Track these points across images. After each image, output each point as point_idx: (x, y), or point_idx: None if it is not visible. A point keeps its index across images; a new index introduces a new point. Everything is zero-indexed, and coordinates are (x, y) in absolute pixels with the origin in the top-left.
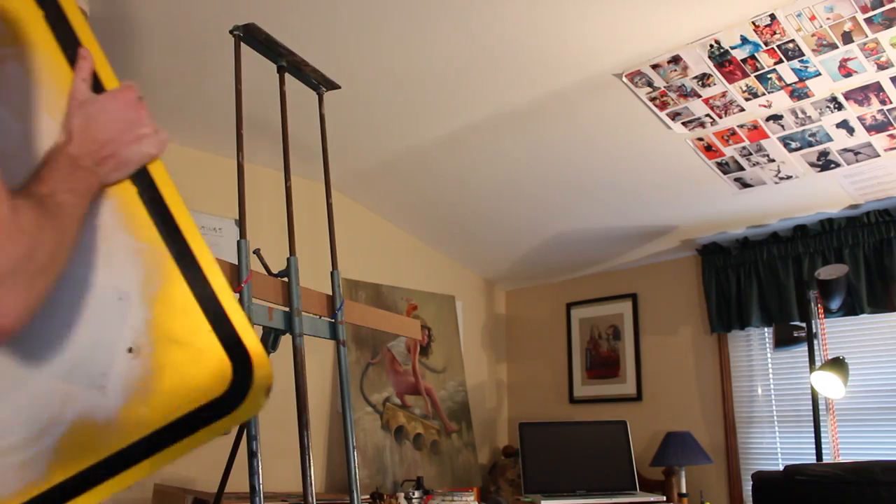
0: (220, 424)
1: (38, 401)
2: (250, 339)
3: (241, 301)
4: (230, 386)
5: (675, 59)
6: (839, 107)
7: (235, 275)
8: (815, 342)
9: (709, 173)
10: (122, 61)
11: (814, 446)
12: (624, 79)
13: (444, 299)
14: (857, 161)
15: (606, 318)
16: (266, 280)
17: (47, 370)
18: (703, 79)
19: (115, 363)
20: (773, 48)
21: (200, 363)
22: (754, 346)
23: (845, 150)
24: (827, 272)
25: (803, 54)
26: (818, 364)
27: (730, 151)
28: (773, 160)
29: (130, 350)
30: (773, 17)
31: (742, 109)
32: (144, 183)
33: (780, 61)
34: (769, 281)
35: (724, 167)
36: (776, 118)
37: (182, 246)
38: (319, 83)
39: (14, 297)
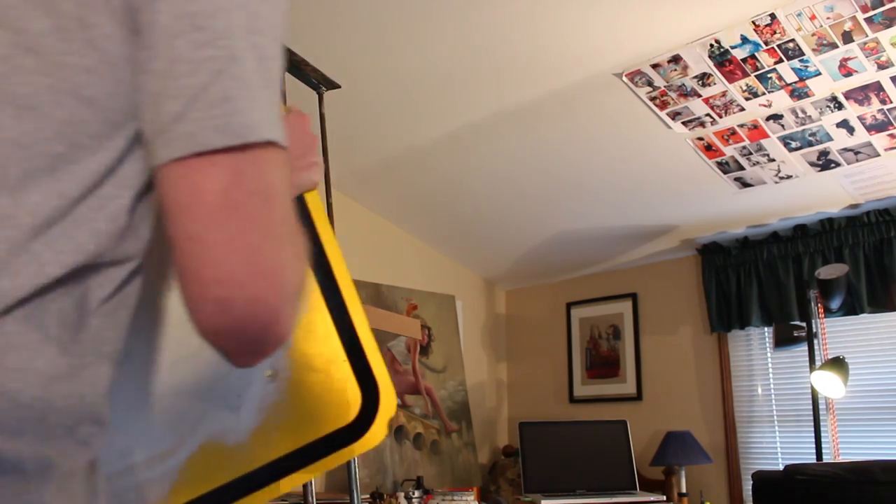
0: (344, 452)
1: (169, 420)
2: (380, 368)
3: None
4: (358, 414)
5: (676, 59)
6: (839, 106)
7: None
8: (815, 342)
9: (709, 173)
10: None
11: (814, 446)
12: (624, 78)
13: (444, 299)
14: (857, 161)
15: (606, 318)
16: None
17: (183, 389)
18: (704, 78)
19: (252, 385)
20: (773, 48)
21: (333, 391)
22: (754, 345)
23: (845, 149)
24: (827, 272)
25: (803, 54)
26: (818, 364)
27: (730, 151)
28: (773, 160)
29: (269, 374)
30: (773, 16)
31: (742, 109)
32: (300, 208)
33: (781, 61)
34: (769, 280)
35: (724, 167)
36: (776, 118)
37: (328, 273)
38: (319, 82)
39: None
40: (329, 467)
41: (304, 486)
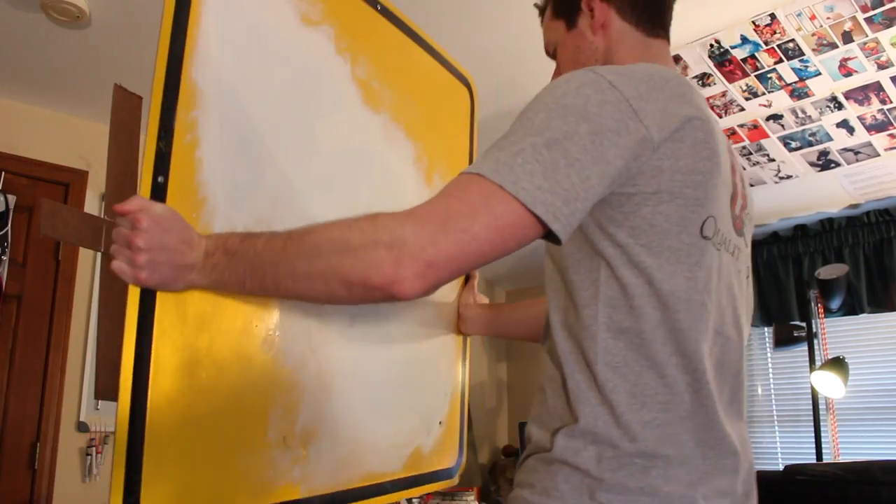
0: (441, 483)
1: (406, 428)
2: (465, 433)
3: None
4: (456, 461)
5: (675, 59)
6: (839, 106)
7: None
8: (815, 342)
9: None
10: (122, 62)
11: (814, 446)
12: None
13: None
14: (857, 161)
15: None
16: None
17: (416, 410)
18: (703, 78)
19: (437, 420)
20: (773, 48)
21: (450, 440)
22: (754, 345)
23: (845, 149)
24: (827, 272)
25: (803, 54)
26: (818, 364)
27: None
28: (773, 160)
29: (440, 423)
30: (773, 16)
31: (742, 109)
32: None
33: (781, 61)
34: (769, 280)
35: None
36: (776, 118)
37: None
38: None
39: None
40: (431, 490)
41: None
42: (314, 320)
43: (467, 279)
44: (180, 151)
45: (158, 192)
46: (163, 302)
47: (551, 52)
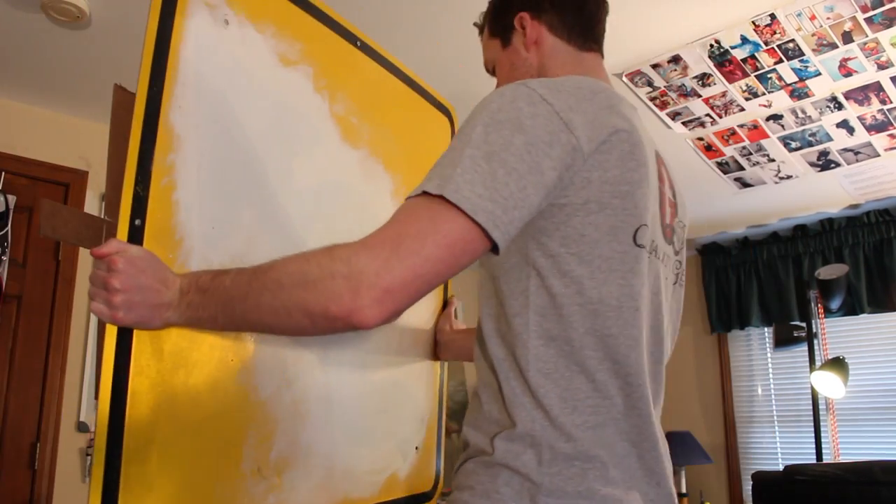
0: None
1: (382, 454)
2: (442, 455)
3: None
4: (432, 485)
5: (675, 59)
6: (839, 106)
7: None
8: (815, 342)
9: (709, 173)
10: (122, 62)
11: (814, 446)
12: (624, 79)
13: None
14: (857, 161)
15: None
16: None
17: (393, 436)
18: (703, 78)
19: (414, 446)
20: (773, 48)
21: (426, 464)
22: (754, 345)
23: (845, 149)
24: (827, 272)
25: (803, 54)
26: (818, 364)
27: (730, 151)
28: (773, 160)
29: (416, 448)
30: (773, 16)
31: (742, 109)
32: None
33: (781, 61)
34: (769, 281)
35: (724, 167)
36: (776, 118)
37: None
38: None
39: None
40: None
41: None
42: (289, 352)
43: (445, 305)
44: (157, 194)
45: (135, 235)
46: (139, 340)
47: (490, 70)
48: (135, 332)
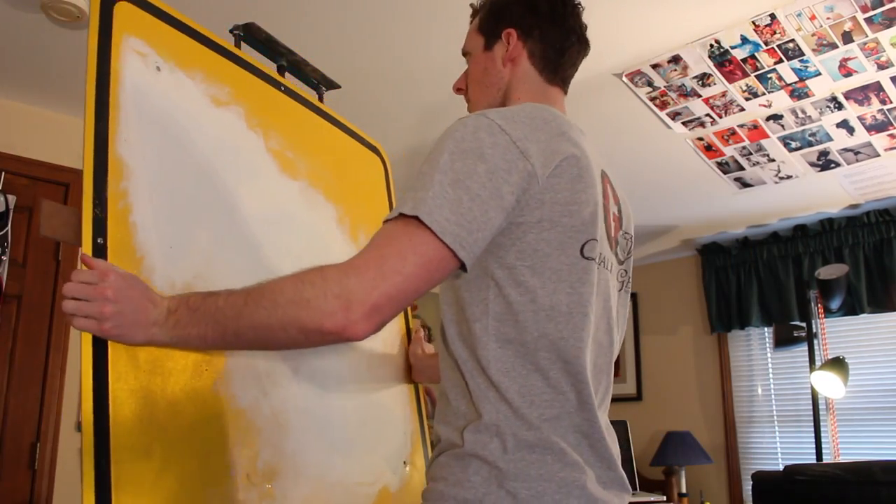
0: None
1: (369, 466)
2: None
3: None
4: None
5: (675, 59)
6: (839, 106)
7: None
8: (815, 342)
9: (709, 173)
10: None
11: (814, 446)
12: (624, 79)
13: None
14: (857, 161)
15: None
16: None
17: (377, 450)
18: (703, 78)
19: (402, 460)
20: (773, 48)
21: (421, 482)
22: (754, 345)
23: (845, 149)
24: (827, 272)
25: (803, 54)
26: (818, 364)
27: (730, 151)
28: (773, 160)
29: (405, 463)
30: (773, 16)
31: (742, 109)
32: None
33: (780, 61)
34: (769, 281)
35: (724, 167)
36: (776, 118)
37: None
38: (320, 82)
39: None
40: None
41: None
42: (261, 364)
43: (410, 333)
44: (115, 216)
45: (99, 252)
46: (114, 348)
47: (465, 54)
48: (110, 342)
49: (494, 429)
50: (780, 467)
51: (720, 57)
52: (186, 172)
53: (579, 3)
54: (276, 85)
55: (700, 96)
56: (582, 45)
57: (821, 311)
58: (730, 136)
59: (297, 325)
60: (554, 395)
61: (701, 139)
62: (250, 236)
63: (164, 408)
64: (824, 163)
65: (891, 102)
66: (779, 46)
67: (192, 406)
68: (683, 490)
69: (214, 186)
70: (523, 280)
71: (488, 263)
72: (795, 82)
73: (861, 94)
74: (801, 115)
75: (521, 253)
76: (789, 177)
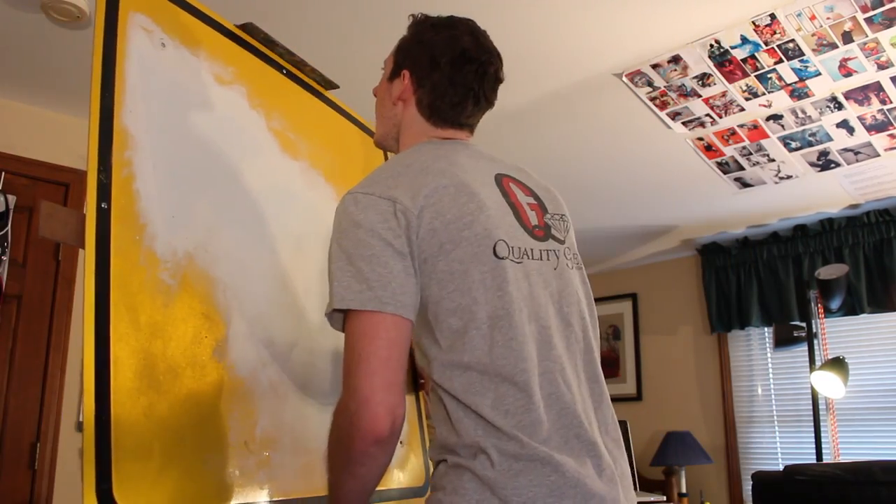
0: (412, 501)
1: None
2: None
3: None
4: (424, 482)
5: (675, 59)
6: (839, 106)
7: None
8: (815, 342)
9: (709, 173)
10: None
11: (814, 446)
12: (624, 79)
13: None
14: (857, 161)
15: (606, 318)
16: None
17: None
18: (703, 78)
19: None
20: (773, 48)
21: (415, 461)
22: (754, 345)
23: (845, 149)
24: (827, 272)
25: (803, 54)
26: (818, 364)
27: (730, 151)
28: (773, 160)
29: (401, 442)
30: (773, 16)
31: (742, 109)
32: None
33: (780, 61)
34: (769, 281)
35: (724, 167)
36: (776, 118)
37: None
38: (319, 82)
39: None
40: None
41: None
42: (260, 335)
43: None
44: (119, 183)
45: (103, 217)
46: (116, 309)
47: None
48: (111, 301)
49: (476, 447)
50: (780, 467)
51: (720, 57)
52: (189, 146)
53: (492, 65)
54: (279, 68)
55: (700, 96)
56: (479, 104)
57: (821, 311)
58: (730, 136)
59: (347, 466)
60: (525, 398)
61: (701, 139)
62: (251, 210)
63: (164, 371)
64: (824, 163)
65: (891, 102)
66: (779, 46)
67: (191, 371)
68: (683, 490)
69: (216, 161)
70: (455, 306)
71: (421, 305)
72: (795, 82)
73: (861, 94)
74: (801, 115)
75: (441, 283)
76: (789, 177)
